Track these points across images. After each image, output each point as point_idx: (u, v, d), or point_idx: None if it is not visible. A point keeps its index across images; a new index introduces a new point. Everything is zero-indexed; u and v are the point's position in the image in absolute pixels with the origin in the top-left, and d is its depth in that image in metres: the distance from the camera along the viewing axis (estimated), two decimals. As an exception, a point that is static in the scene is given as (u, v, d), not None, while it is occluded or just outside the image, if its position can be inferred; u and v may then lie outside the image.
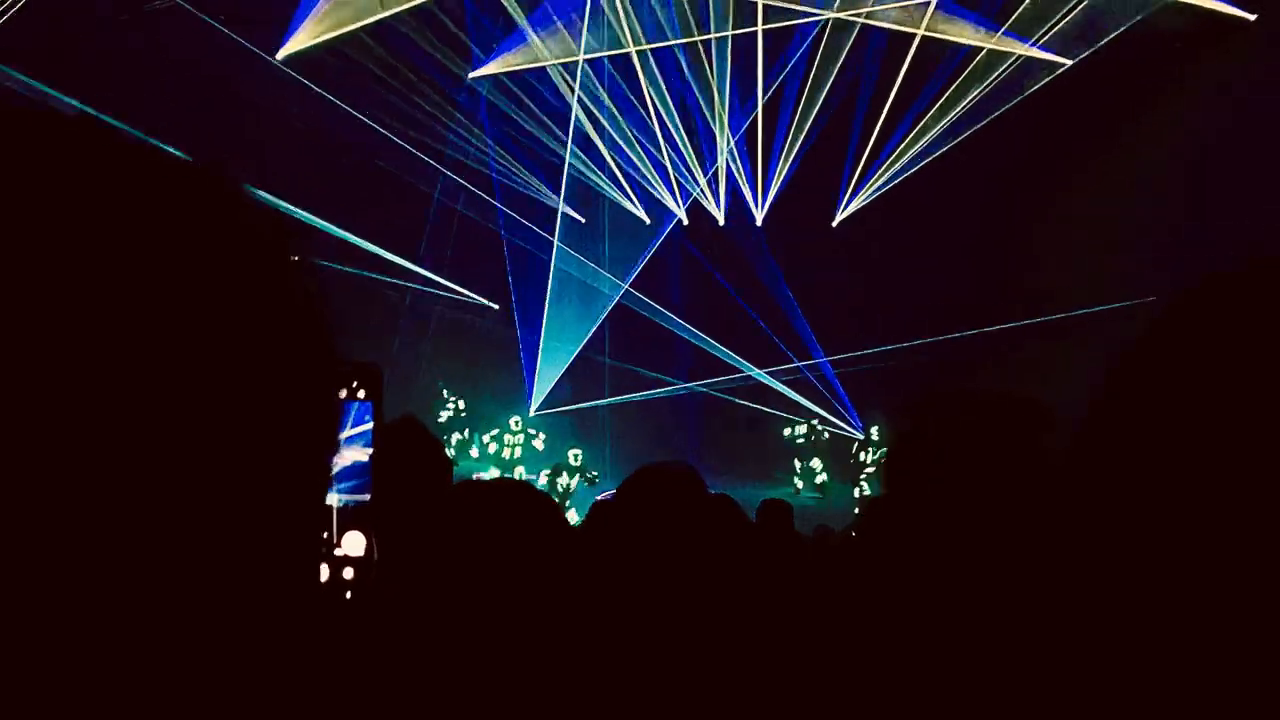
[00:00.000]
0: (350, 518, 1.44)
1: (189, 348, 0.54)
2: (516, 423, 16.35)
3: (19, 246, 0.52)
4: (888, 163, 15.50)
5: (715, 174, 16.11)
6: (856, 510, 14.20)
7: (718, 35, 14.99)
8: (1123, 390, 0.84)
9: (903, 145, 15.32)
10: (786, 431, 16.68)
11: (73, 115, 0.59)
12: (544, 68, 15.23)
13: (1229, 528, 0.76)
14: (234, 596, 0.56)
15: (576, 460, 15.73)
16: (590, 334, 16.50)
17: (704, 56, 15.33)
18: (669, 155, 15.93)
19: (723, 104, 15.52)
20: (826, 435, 16.61)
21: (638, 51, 15.12)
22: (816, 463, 16.43)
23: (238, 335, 0.57)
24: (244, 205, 0.60)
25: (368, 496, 1.40)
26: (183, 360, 0.54)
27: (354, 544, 1.44)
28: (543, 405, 16.55)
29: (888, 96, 15.02)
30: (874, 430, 16.54)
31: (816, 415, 16.59)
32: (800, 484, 16.19)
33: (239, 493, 0.55)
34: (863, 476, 16.13)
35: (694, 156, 16.04)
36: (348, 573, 1.44)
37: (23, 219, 0.53)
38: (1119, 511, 0.81)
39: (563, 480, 15.28)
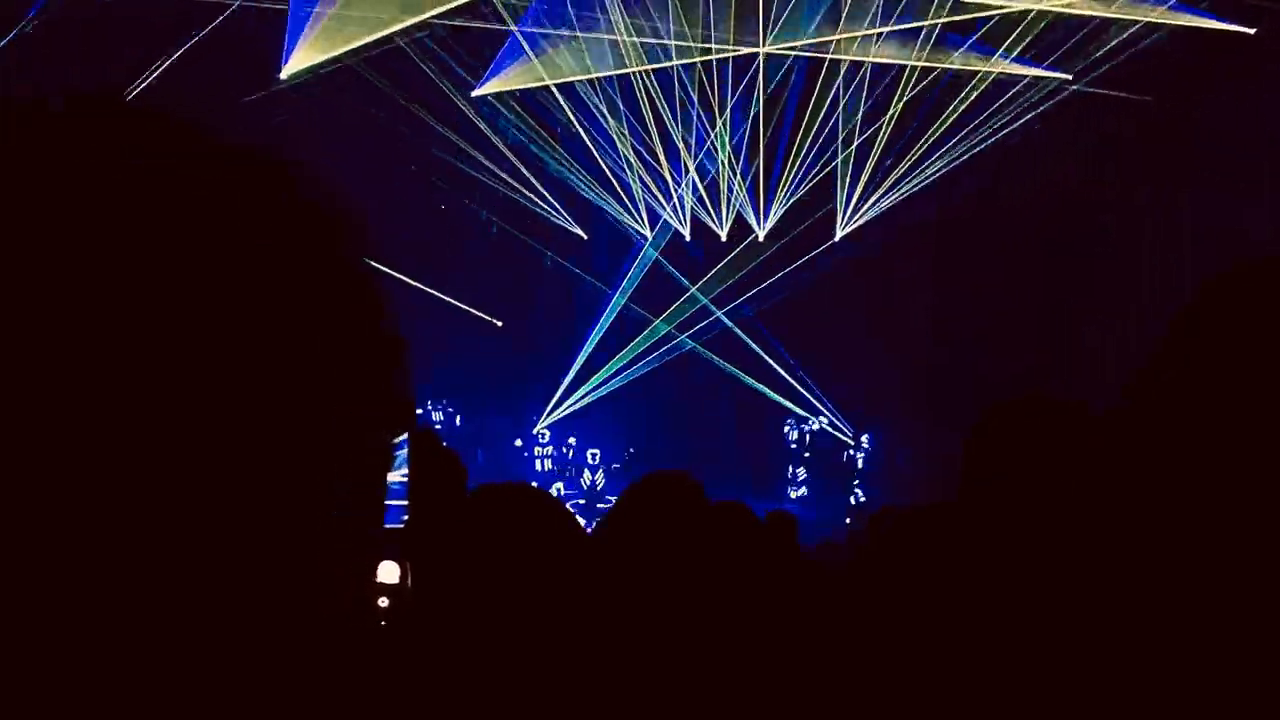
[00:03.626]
0: (385, 545, 1.43)
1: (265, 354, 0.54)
2: (543, 434, 16.36)
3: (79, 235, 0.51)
4: (892, 176, 15.52)
5: (717, 189, 16.14)
6: (848, 519, 14.17)
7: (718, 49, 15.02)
8: (1151, 382, 0.86)
9: (908, 160, 15.34)
10: (788, 430, 16.65)
11: (152, 108, 0.57)
12: (545, 84, 15.26)
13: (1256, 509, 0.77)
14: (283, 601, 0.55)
15: (595, 460, 15.84)
16: (594, 344, 16.53)
17: (696, 71, 15.37)
18: (669, 171, 15.96)
19: (724, 119, 15.56)
20: (810, 438, 16.54)
21: (639, 68, 15.14)
22: (802, 471, 16.40)
23: (313, 348, 0.56)
24: (319, 198, 0.59)
25: (401, 524, 1.39)
26: (256, 364, 0.53)
27: (389, 572, 1.43)
28: (550, 415, 16.59)
29: (894, 110, 15.05)
30: (864, 438, 16.50)
31: (810, 419, 16.56)
32: (794, 493, 16.16)
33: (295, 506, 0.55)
34: (855, 483, 16.09)
35: (695, 171, 16.06)
36: (382, 601, 1.43)
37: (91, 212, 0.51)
38: (1155, 489, 0.82)
39: (585, 478, 15.51)
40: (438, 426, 15.79)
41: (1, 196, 0.50)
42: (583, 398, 16.46)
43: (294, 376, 0.55)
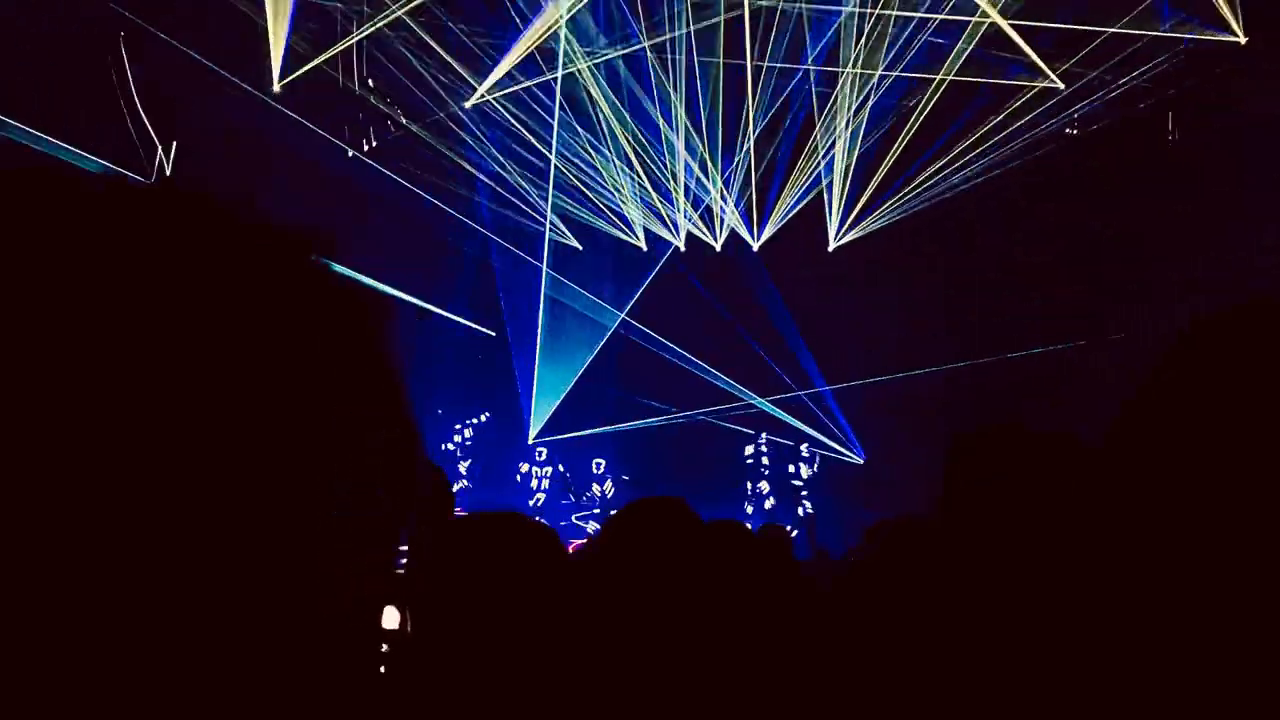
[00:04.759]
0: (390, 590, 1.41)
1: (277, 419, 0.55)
2: (541, 452, 16.40)
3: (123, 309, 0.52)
4: (899, 195, 15.59)
5: (710, 201, 16.21)
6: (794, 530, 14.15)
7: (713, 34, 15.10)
8: (1145, 408, 0.87)
9: (916, 181, 15.41)
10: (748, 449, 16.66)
11: (170, 187, 0.60)
12: (538, 93, 15.33)
13: (1245, 529, 0.78)
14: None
15: (600, 469, 15.93)
16: (589, 360, 16.55)
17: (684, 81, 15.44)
18: (667, 179, 16.03)
19: (714, 132, 15.64)
20: (766, 459, 16.55)
21: (634, 75, 15.23)
22: (764, 485, 16.42)
23: (321, 404, 0.57)
24: (336, 282, 0.61)
25: (402, 570, 1.38)
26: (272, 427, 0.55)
27: (389, 617, 1.41)
28: (542, 433, 16.58)
29: (899, 128, 15.14)
30: (804, 448, 16.45)
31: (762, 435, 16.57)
32: (750, 508, 16.14)
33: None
34: (803, 494, 16.12)
35: (690, 183, 16.13)
36: (382, 646, 1.41)
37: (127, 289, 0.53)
38: (1145, 510, 0.83)
39: (596, 488, 15.59)
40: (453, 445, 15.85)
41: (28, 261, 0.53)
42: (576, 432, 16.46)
43: (296, 387, 0.57)
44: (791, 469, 16.38)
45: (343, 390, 0.59)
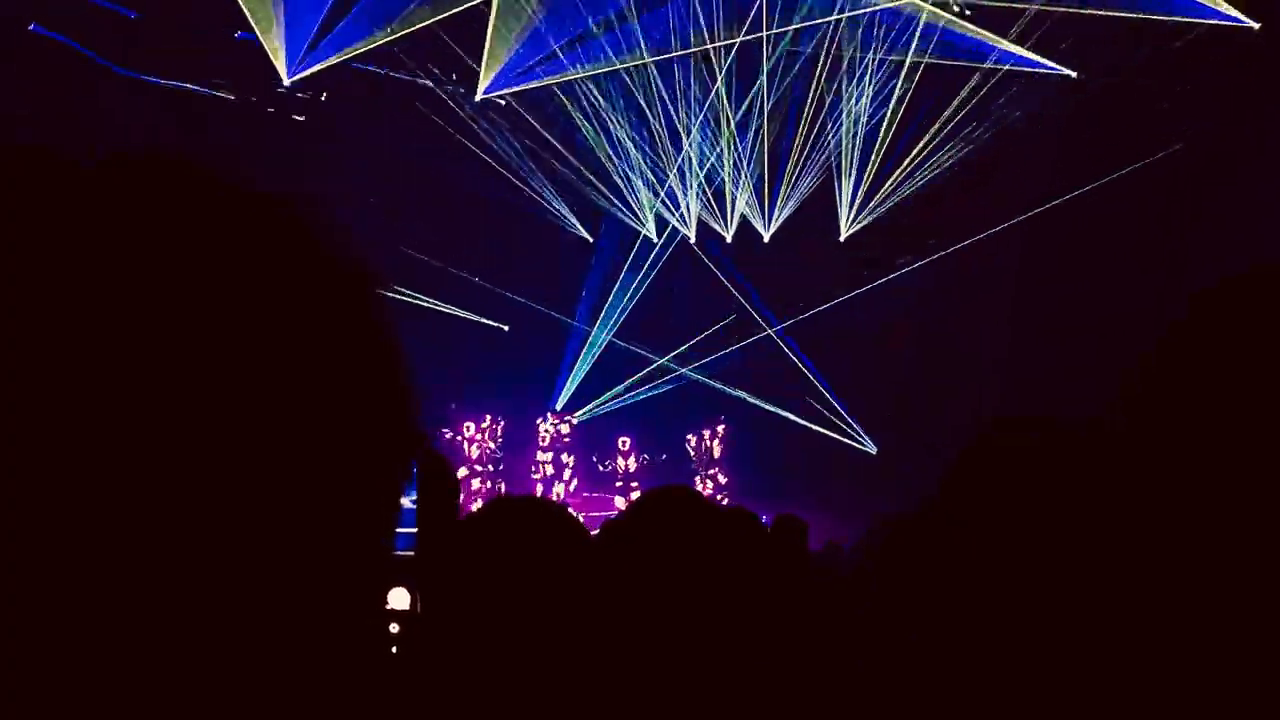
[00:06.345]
0: (396, 572, 1.42)
1: (267, 388, 0.54)
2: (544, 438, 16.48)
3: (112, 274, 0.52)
4: (895, 177, 15.54)
5: (722, 190, 16.18)
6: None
7: (724, 43, 15.06)
8: (1147, 388, 0.86)
9: (912, 161, 15.35)
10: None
11: (167, 155, 0.59)
12: (549, 86, 15.30)
13: (1247, 514, 0.77)
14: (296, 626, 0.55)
15: (624, 446, 16.05)
16: (603, 346, 16.60)
17: (707, 70, 15.39)
18: (674, 172, 16.00)
19: (731, 120, 15.60)
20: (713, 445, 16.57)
21: (642, 66, 15.19)
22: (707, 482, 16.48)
23: (313, 380, 0.56)
24: (330, 245, 0.61)
25: (412, 551, 1.38)
26: (260, 398, 0.54)
27: (399, 599, 1.42)
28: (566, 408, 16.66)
29: (901, 112, 15.08)
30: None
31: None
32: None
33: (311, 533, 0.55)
34: (711, 471, 16.20)
35: (699, 173, 16.10)
36: (393, 627, 1.42)
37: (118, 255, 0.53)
38: (1157, 494, 0.82)
39: (620, 462, 15.63)
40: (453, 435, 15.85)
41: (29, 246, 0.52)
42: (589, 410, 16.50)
43: (301, 396, 0.56)
44: (694, 442, 16.47)
45: (331, 366, 0.58)
